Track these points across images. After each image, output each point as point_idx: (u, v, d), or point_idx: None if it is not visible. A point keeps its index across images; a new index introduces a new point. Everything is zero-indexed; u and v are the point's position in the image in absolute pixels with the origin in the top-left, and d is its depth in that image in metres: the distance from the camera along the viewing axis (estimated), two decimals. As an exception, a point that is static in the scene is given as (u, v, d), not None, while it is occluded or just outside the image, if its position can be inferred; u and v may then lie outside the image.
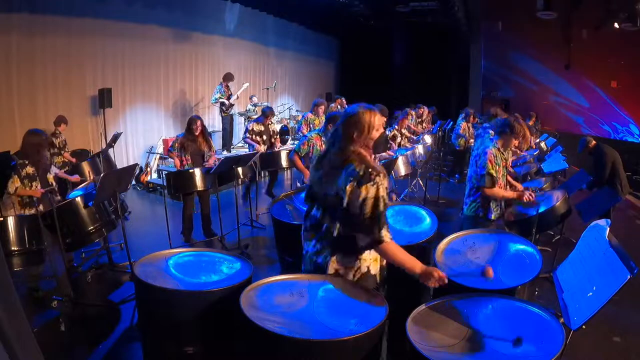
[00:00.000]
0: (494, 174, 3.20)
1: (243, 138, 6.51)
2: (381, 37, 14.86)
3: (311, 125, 6.74)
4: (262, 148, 6.18)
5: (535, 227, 3.28)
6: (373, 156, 2.06)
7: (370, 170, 1.89)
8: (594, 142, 5.45)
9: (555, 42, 12.36)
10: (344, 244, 1.95)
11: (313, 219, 2.10)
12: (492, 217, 3.32)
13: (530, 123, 8.57)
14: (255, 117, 9.44)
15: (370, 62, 15.26)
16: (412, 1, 10.89)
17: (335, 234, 1.96)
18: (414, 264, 1.89)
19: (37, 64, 6.50)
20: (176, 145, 4.97)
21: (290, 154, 4.64)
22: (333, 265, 1.98)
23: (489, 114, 5.34)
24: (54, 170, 4.33)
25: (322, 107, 6.93)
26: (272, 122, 6.56)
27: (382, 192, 1.88)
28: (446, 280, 1.83)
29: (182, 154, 4.93)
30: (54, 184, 4.15)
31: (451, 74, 15.02)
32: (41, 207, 3.87)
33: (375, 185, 1.86)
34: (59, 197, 4.00)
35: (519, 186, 3.74)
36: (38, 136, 4.00)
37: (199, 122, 4.97)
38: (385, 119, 6.05)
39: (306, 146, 4.48)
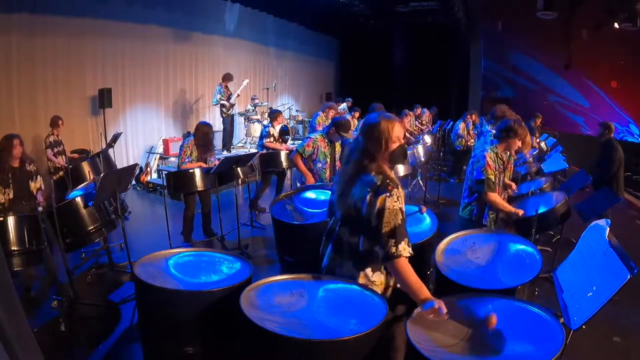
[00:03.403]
0: (492, 179, 3.17)
1: (259, 144, 6.37)
2: (381, 37, 14.87)
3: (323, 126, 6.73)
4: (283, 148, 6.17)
5: (535, 227, 3.28)
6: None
7: (388, 181, 1.83)
8: (611, 134, 5.42)
9: (555, 42, 12.36)
10: (368, 259, 1.88)
11: (334, 234, 2.03)
12: (486, 222, 3.31)
13: (535, 124, 8.55)
14: (256, 117, 9.50)
15: (370, 62, 15.28)
16: (412, 1, 10.91)
17: (361, 248, 1.87)
18: (421, 289, 1.77)
19: (37, 64, 6.50)
20: (188, 152, 4.85)
21: (291, 153, 4.53)
22: (361, 281, 1.92)
23: (494, 114, 5.19)
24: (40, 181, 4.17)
25: (332, 111, 6.95)
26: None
27: (399, 205, 1.81)
28: (443, 315, 1.67)
29: (190, 160, 4.86)
30: (37, 193, 4.05)
31: (451, 73, 15.03)
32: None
33: (391, 197, 1.79)
34: (40, 208, 3.79)
35: (513, 185, 3.72)
36: (5, 140, 3.93)
37: (211, 130, 4.98)
38: None
39: (310, 147, 4.23)
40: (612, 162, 5.22)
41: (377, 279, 1.93)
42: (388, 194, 1.79)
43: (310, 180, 4.17)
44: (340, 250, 1.99)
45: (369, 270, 1.92)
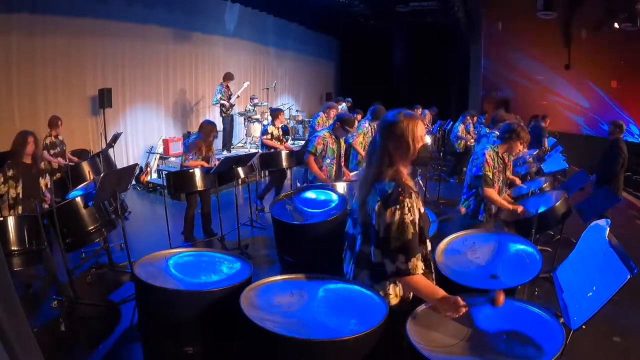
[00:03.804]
0: (490, 176, 3.25)
1: (260, 140, 6.44)
2: (381, 37, 14.86)
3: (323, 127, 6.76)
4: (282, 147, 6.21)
5: (535, 227, 3.28)
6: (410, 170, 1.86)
7: (399, 190, 1.69)
8: (621, 134, 5.45)
9: (555, 42, 12.37)
10: (381, 271, 1.76)
11: (356, 243, 1.91)
12: (481, 219, 3.36)
13: (544, 124, 8.65)
14: (256, 117, 9.51)
15: (370, 62, 15.27)
16: (412, 1, 10.90)
17: (373, 259, 1.77)
18: (435, 292, 1.71)
19: (37, 64, 6.50)
20: (194, 150, 4.90)
21: (304, 155, 4.55)
22: (394, 291, 1.83)
23: (496, 118, 5.29)
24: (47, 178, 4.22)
25: (333, 111, 6.97)
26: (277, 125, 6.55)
27: (411, 217, 1.68)
28: (463, 310, 1.64)
29: (194, 157, 4.91)
30: (45, 191, 4.09)
31: (451, 73, 15.02)
32: (20, 210, 3.85)
33: (401, 209, 1.67)
34: (46, 206, 3.89)
35: (517, 181, 3.74)
36: (20, 136, 3.95)
37: (215, 129, 5.05)
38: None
39: (321, 145, 4.28)
40: (617, 161, 5.26)
41: (392, 291, 1.83)
42: (398, 206, 1.67)
43: (324, 181, 4.18)
44: (358, 259, 1.90)
45: (385, 283, 1.81)
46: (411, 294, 1.86)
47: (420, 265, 1.71)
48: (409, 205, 1.69)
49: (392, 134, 1.78)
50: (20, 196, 3.92)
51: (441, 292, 1.72)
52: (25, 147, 3.93)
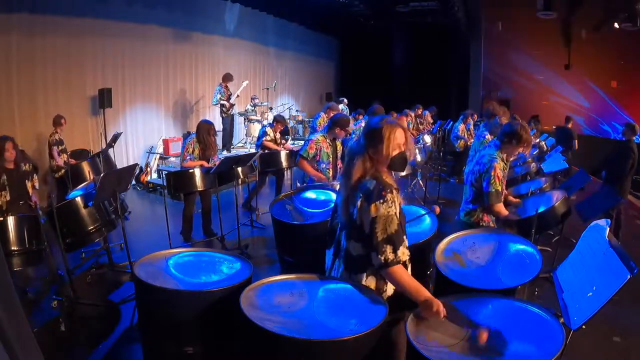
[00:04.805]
0: (500, 190, 3.06)
1: (257, 144, 6.47)
2: (381, 37, 14.87)
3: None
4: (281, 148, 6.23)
5: (534, 227, 3.27)
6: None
7: (381, 186, 1.79)
8: (632, 137, 5.47)
9: (555, 42, 12.38)
10: (362, 265, 1.86)
11: (335, 237, 2.02)
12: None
13: (570, 126, 8.69)
14: (256, 117, 9.52)
15: (370, 62, 15.27)
16: (412, 1, 10.91)
17: (354, 253, 1.87)
18: (420, 291, 1.75)
19: (37, 64, 6.50)
20: (190, 149, 4.90)
21: (296, 158, 4.52)
22: (369, 283, 1.89)
23: (488, 112, 5.15)
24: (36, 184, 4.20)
25: (332, 113, 6.97)
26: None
27: (394, 209, 1.78)
28: (442, 316, 1.69)
29: (192, 157, 4.90)
30: (32, 193, 4.07)
31: (451, 73, 15.02)
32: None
33: (385, 203, 1.76)
34: (37, 208, 3.85)
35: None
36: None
37: (213, 128, 5.00)
38: None
39: (313, 149, 4.20)
40: (626, 162, 5.27)
41: (369, 284, 1.89)
42: (381, 200, 1.76)
43: (323, 180, 4.15)
44: (338, 253, 1.99)
45: (362, 275, 1.88)
46: (387, 286, 1.89)
47: (406, 252, 1.82)
48: (391, 199, 1.79)
49: (372, 139, 1.88)
50: (6, 206, 3.87)
51: (425, 293, 1.74)
52: (4, 154, 3.86)
